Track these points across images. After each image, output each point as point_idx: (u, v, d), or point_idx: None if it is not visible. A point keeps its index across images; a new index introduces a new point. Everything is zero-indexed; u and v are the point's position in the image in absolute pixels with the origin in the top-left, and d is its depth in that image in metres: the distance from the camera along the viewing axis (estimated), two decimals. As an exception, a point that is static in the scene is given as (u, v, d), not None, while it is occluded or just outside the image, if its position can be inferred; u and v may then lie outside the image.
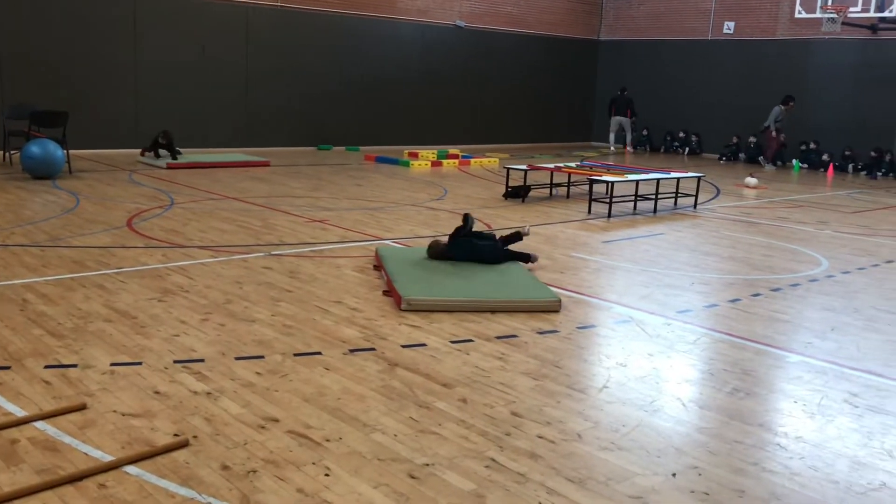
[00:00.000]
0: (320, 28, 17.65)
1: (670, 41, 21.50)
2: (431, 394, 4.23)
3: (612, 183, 10.36)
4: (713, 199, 12.63)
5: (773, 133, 18.16)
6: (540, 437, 3.76)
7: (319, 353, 4.75)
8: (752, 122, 19.46)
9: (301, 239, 7.97)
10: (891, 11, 16.00)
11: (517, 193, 11.46)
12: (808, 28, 18.55)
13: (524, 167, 11.71)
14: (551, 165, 12.04)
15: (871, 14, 16.59)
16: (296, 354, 4.72)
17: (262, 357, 4.65)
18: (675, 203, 11.59)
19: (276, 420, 3.82)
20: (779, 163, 18.55)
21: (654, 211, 10.89)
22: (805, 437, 3.92)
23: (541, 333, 5.33)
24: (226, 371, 4.41)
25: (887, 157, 17.61)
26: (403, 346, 4.94)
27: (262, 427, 3.73)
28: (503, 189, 11.74)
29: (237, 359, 4.61)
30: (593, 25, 23.08)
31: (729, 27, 20.36)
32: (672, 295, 6.50)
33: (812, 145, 18.70)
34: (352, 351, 4.82)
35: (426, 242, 7.83)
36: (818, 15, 17.03)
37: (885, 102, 17.76)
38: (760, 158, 19.07)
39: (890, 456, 3.74)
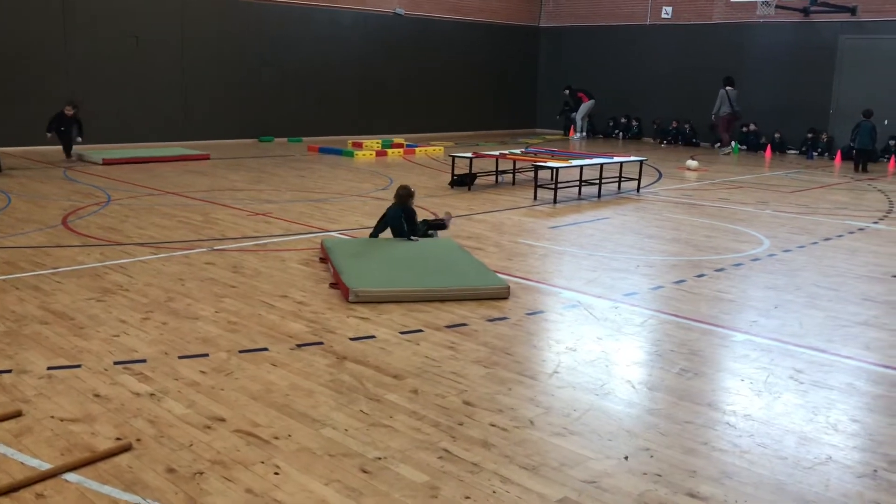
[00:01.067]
0: (258, 17, 17.33)
1: (610, 27, 21.67)
2: (382, 386, 4.17)
3: (557, 169, 10.40)
4: (655, 182, 12.78)
5: (724, 118, 18.03)
6: (492, 426, 3.73)
7: (266, 350, 4.66)
8: (692, 105, 19.75)
9: (244, 233, 7.82)
10: (822, -6, 16.37)
11: (463, 181, 11.43)
12: (743, 12, 18.87)
13: (469, 155, 11.68)
14: (496, 153, 12.02)
15: (804, -3, 16.95)
16: (241, 351, 4.61)
17: (206, 355, 4.54)
18: (619, 187, 11.69)
19: (223, 419, 3.72)
20: (730, 146, 18.33)
21: (599, 195, 10.97)
22: (753, 414, 3.97)
23: (490, 321, 5.31)
24: (169, 371, 4.29)
25: (823, 137, 18.05)
26: (352, 339, 4.87)
27: (208, 427, 3.63)
28: (449, 177, 11.69)
29: (181, 358, 4.49)
30: (534, 12, 23.14)
31: (667, 12, 20.60)
32: (618, 278, 6.54)
33: (751, 127, 19.04)
34: (299, 346, 4.73)
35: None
36: (753, -1, 17.33)
37: (819, 84, 18.17)
38: (717, 146, 18.93)
39: (835, 430, 3.81)
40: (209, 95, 16.71)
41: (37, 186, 10.37)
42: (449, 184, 11.48)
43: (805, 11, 17.75)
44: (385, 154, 15.55)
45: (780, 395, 4.23)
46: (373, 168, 13.55)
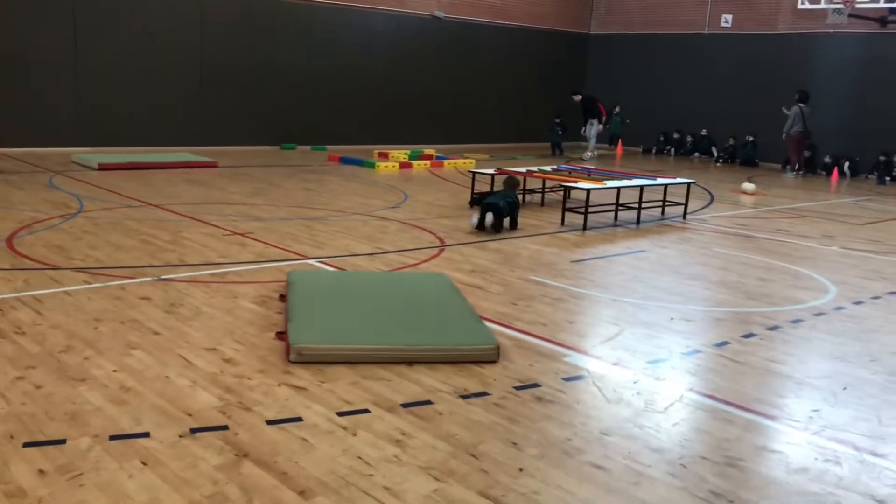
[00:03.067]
0: (285, 16, 16.35)
1: (665, 35, 20.20)
2: (276, 510, 2.95)
3: (589, 191, 9.07)
4: (706, 207, 11.35)
5: (794, 137, 16.30)
6: None
7: (146, 436, 3.47)
8: (751, 122, 18.19)
9: (208, 258, 6.69)
10: (902, 2, 14.73)
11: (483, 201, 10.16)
12: (811, 20, 17.27)
13: (491, 171, 10.41)
14: (523, 169, 10.74)
15: (881, 5, 15.31)
16: (112, 437, 3.43)
17: (62, 442, 3.37)
18: (663, 213, 10.31)
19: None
20: (801, 171, 16.72)
21: (638, 222, 9.60)
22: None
23: (464, 398, 4.05)
24: (-5, 469, 3.13)
25: (896, 161, 16.34)
26: (270, 423, 3.66)
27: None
28: (471, 195, 10.44)
29: (26, 445, 3.33)
30: (583, 18, 21.79)
31: (727, 20, 19.07)
32: (645, 336, 5.21)
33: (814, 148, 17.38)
34: (193, 431, 3.53)
35: (359, 262, 6.58)
36: (823, 6, 15.76)
37: (894, 101, 16.45)
38: (786, 168, 17.09)
39: None
40: (229, 99, 15.76)
41: (10, 193, 9.42)
42: (469, 203, 10.22)
43: (882, 21, 16.08)
44: (409, 166, 14.37)
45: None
46: (391, 182, 12.37)
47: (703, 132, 19.44)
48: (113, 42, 14.36)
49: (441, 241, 7.93)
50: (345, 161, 14.53)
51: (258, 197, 10.11)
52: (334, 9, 16.93)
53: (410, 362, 4.44)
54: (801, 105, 16.24)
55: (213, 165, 12.83)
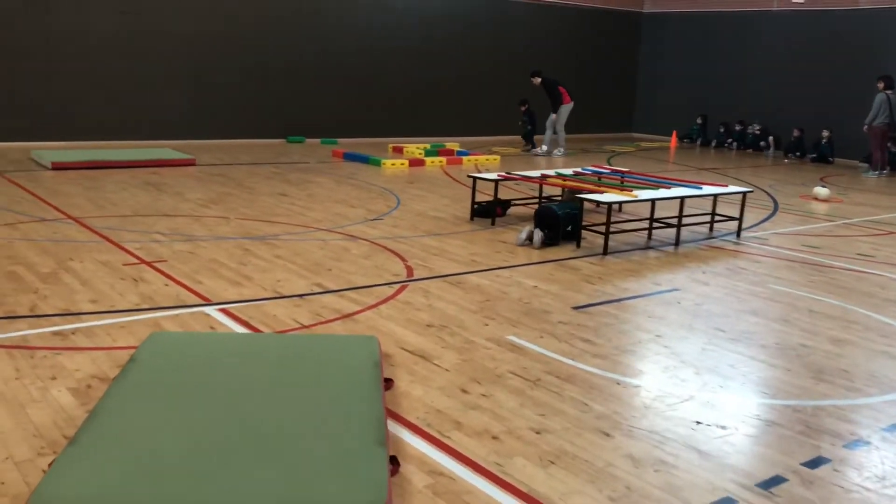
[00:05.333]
0: (292, -5, 14.63)
1: (728, 14, 17.87)
2: None
3: (610, 205, 7.12)
4: (767, 219, 9.24)
5: (877, 130, 13.86)
6: None
7: None
8: (827, 112, 15.82)
9: (72, 304, 4.98)
10: None
11: (487, 212, 8.29)
12: (900, -7, 14.81)
13: (494, 176, 8.49)
14: (538, 174, 8.80)
15: None
16: None
17: None
18: (711, 229, 8.27)
19: None
20: (885, 171, 14.23)
21: (677, 243, 7.59)
22: None
23: None
24: None
25: None
26: None
27: None
28: (479, 204, 8.53)
29: None
30: (636, -4, 19.57)
31: (799, -5, 16.68)
32: (647, 464, 3.30)
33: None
34: None
35: (279, 310, 4.82)
36: (916, -25, 13.32)
37: None
38: (863, 165, 14.74)
39: None
40: (227, 85, 14.11)
41: (-84, 201, 7.92)
42: (471, 215, 8.34)
43: None
44: (422, 164, 12.51)
45: None
46: (391, 184, 10.55)
47: (769, 124, 17.09)
48: (86, 22, 12.82)
49: (409, 271, 6.10)
50: (349, 157, 12.76)
51: (214, 206, 8.41)
52: (349, -15, 15.16)
53: (236, 531, 2.64)
54: (887, 92, 13.83)
55: (190, 163, 11.21)
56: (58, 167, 10.21)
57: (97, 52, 12.87)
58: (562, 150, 14.60)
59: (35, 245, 6.37)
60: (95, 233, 6.90)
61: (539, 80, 14.52)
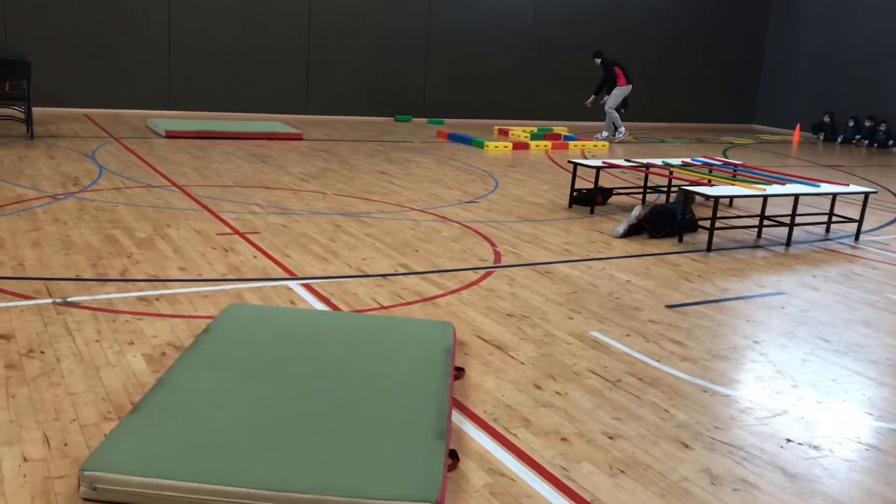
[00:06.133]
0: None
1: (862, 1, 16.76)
2: None
3: (716, 199, 6.73)
4: (892, 222, 8.58)
5: None
6: None
7: None
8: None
9: (160, 270, 5.07)
10: None
11: (587, 200, 8.03)
12: None
13: (598, 163, 8.19)
14: (641, 162, 8.45)
15: None
16: None
17: None
18: (828, 230, 7.74)
19: None
20: None
21: (788, 243, 7.13)
22: None
23: None
24: None
25: None
26: None
27: None
28: (581, 191, 8.27)
29: None
30: (766, -21, 18.60)
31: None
32: (726, 486, 3.05)
33: None
34: None
35: (361, 289, 4.77)
36: None
37: None
38: None
39: None
40: (339, 62, 14.23)
41: (33, 161, 8.29)
42: (570, 203, 8.10)
43: None
44: (525, 147, 12.28)
45: None
46: (492, 166, 10.38)
47: (905, 120, 15.95)
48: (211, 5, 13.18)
49: (497, 257, 5.94)
50: (453, 138, 12.67)
51: (313, 180, 8.47)
52: (465, -36, 14.99)
53: (283, 515, 2.58)
54: None
55: (297, 137, 11.36)
56: (171, 135, 10.55)
57: (215, 25, 13.21)
58: (622, 131, 13.86)
59: (136, 210, 6.55)
60: (196, 201, 7.05)
61: (600, 60, 13.82)
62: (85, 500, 2.61)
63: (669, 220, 6.94)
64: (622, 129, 13.84)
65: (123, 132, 10.87)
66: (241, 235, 6.02)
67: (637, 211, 6.98)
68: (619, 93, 13.68)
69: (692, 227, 7.09)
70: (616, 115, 13.79)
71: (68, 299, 4.39)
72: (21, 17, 11.87)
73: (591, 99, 13.87)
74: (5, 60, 9.41)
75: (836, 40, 17.20)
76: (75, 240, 5.58)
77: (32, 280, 4.69)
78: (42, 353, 3.70)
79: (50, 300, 4.37)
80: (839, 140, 16.87)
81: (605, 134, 13.89)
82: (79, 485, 2.62)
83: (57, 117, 11.75)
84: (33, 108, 9.78)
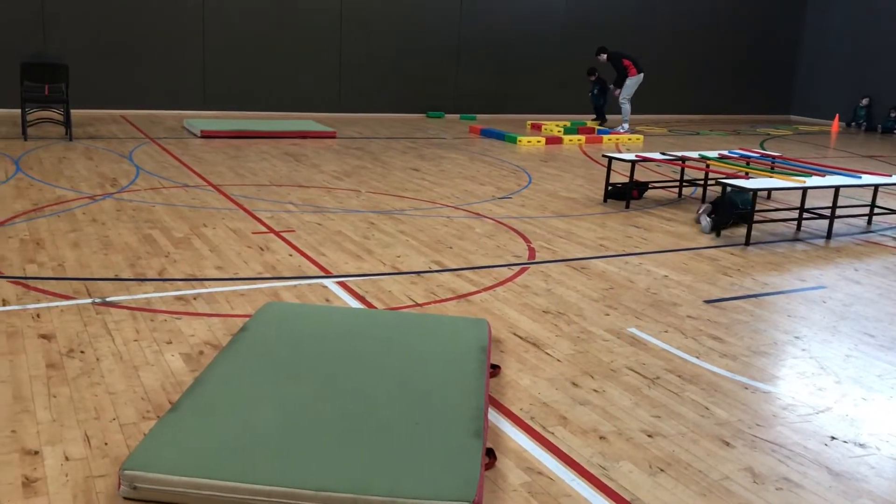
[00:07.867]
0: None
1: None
2: None
3: (755, 192, 6.62)
4: (937, 213, 8.38)
5: None
6: None
7: None
8: None
9: (198, 269, 5.11)
10: None
11: (621, 194, 7.95)
12: None
13: (632, 157, 8.10)
14: (678, 154, 8.34)
15: None
16: None
17: None
18: (870, 222, 7.59)
19: None
20: None
21: (828, 236, 7.00)
22: None
23: None
24: None
25: None
26: None
27: None
28: (605, 187, 8.22)
29: None
30: (803, -33, 18.28)
31: None
32: (769, 485, 2.99)
33: None
34: None
35: (395, 286, 4.77)
36: None
37: None
38: None
39: None
40: (370, 59, 14.26)
41: (72, 162, 8.41)
42: (605, 197, 8.03)
43: None
44: (559, 142, 12.20)
45: None
46: (525, 162, 10.33)
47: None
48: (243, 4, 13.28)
49: (531, 253, 5.90)
50: (486, 134, 12.63)
51: (347, 178, 8.49)
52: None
53: (320, 515, 2.58)
54: None
55: (331, 136, 11.41)
56: (207, 135, 10.65)
57: (249, 26, 13.30)
58: (626, 126, 13.60)
59: (173, 210, 6.62)
60: (231, 200, 7.10)
61: (605, 56, 13.61)
62: (125, 499, 2.63)
63: (733, 210, 6.87)
64: (625, 125, 13.63)
65: (160, 133, 10.99)
66: (277, 234, 6.05)
67: (704, 208, 6.94)
68: (633, 83, 13.45)
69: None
70: (628, 107, 13.59)
71: (107, 299, 4.45)
72: (59, 22, 12.06)
73: (617, 92, 13.68)
74: (44, 64, 9.57)
75: (873, 28, 16.85)
76: (113, 240, 5.65)
77: (72, 280, 4.76)
78: (82, 352, 3.75)
79: (89, 300, 4.43)
80: (879, 129, 16.54)
81: (626, 126, 13.69)
82: (119, 484, 2.65)
83: (95, 119, 11.93)
84: (72, 111, 9.93)
